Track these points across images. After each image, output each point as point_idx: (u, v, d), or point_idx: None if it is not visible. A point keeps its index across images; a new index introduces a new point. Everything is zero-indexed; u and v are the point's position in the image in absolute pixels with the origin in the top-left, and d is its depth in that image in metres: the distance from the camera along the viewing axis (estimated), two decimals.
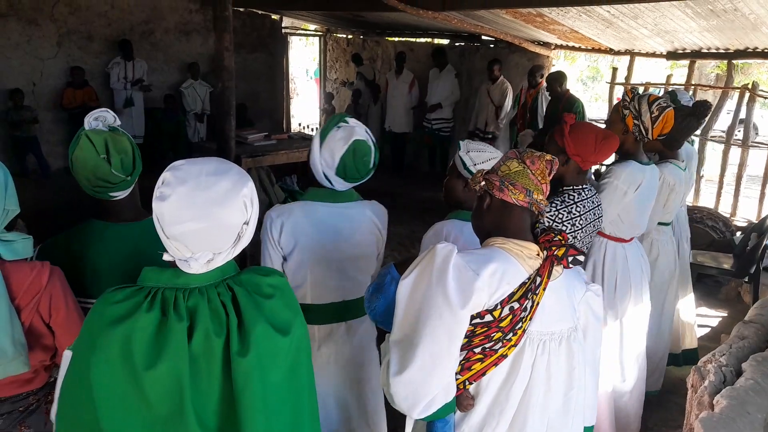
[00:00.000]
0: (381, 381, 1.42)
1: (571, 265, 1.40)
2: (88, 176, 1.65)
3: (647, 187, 2.71)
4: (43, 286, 1.50)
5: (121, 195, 1.71)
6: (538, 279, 1.38)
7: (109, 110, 1.73)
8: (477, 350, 1.38)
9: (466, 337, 1.37)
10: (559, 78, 5.97)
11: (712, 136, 6.43)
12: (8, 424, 1.58)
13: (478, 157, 2.02)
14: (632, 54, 6.72)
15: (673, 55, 6.30)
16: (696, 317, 3.84)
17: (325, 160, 1.98)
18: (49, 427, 1.64)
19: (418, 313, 1.35)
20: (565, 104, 5.88)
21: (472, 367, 1.40)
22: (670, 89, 4.98)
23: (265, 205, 1.99)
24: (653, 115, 2.63)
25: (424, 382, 1.34)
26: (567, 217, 2.26)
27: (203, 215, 1.08)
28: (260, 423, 1.10)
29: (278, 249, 1.99)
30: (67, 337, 1.55)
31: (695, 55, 6.11)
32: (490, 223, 1.50)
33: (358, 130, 2.00)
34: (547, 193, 1.48)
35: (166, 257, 1.14)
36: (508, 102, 7.33)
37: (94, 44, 7.72)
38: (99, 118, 1.70)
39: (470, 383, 1.42)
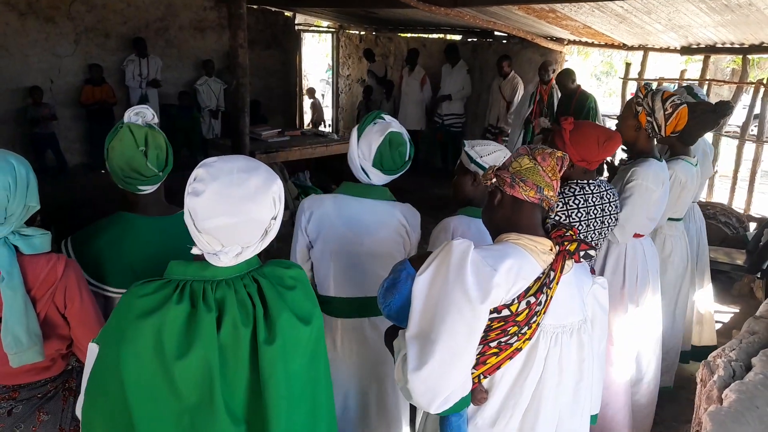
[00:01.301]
0: (396, 377, 1.42)
1: (582, 260, 1.42)
2: (122, 166, 1.69)
3: (668, 184, 2.73)
4: (58, 278, 1.54)
5: (148, 189, 1.76)
6: (552, 273, 1.40)
7: (149, 107, 1.78)
8: (493, 344, 1.39)
9: (482, 331, 1.37)
10: (569, 75, 5.95)
11: (726, 132, 6.37)
12: (27, 410, 1.62)
13: (483, 150, 2.08)
14: (646, 49, 6.67)
15: (687, 50, 6.24)
16: (713, 314, 3.84)
17: (362, 152, 2.06)
18: (67, 413, 1.69)
19: (435, 308, 1.34)
20: (578, 100, 5.86)
21: (488, 361, 1.40)
22: (684, 84, 4.96)
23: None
24: (667, 113, 2.61)
25: (442, 377, 1.33)
26: (562, 208, 2.27)
27: (236, 210, 1.12)
28: (284, 410, 1.14)
29: (305, 235, 2.10)
30: (82, 327, 1.59)
31: (709, 50, 6.05)
32: (501, 218, 1.52)
33: (393, 124, 2.09)
34: (558, 189, 1.50)
35: (194, 251, 1.18)
36: (518, 98, 7.30)
37: (111, 41, 7.82)
38: (139, 114, 1.74)
39: (485, 377, 1.43)
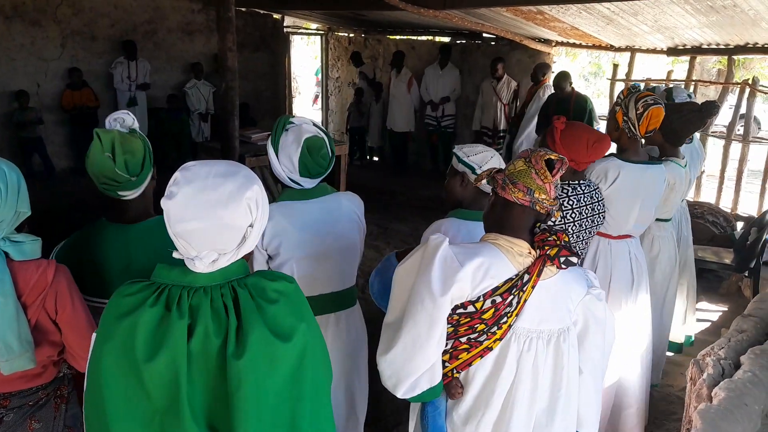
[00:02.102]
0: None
1: (563, 266, 1.42)
2: (96, 173, 1.70)
3: (629, 183, 2.66)
4: (48, 284, 1.53)
5: (129, 195, 1.74)
6: (526, 276, 1.41)
7: (129, 113, 1.77)
8: (463, 340, 1.44)
9: (452, 326, 1.42)
10: (565, 78, 5.99)
11: (713, 132, 6.44)
12: (18, 418, 1.60)
13: (471, 150, 2.11)
14: (633, 50, 6.73)
15: (673, 51, 6.30)
16: (691, 312, 3.86)
17: (285, 167, 2.03)
18: (59, 421, 1.68)
19: (406, 298, 1.43)
20: (576, 102, 5.90)
21: (459, 356, 1.46)
22: (670, 85, 5.01)
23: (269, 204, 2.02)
24: (638, 112, 2.64)
25: (406, 363, 1.42)
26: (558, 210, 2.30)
27: (206, 215, 1.11)
28: (252, 425, 1.11)
29: (263, 252, 2.02)
30: (73, 334, 1.58)
31: (695, 50, 6.12)
32: (493, 219, 1.54)
33: (305, 128, 2.05)
34: (553, 192, 1.48)
35: (175, 255, 1.17)
36: (519, 99, 7.36)
37: (98, 45, 7.76)
38: (117, 120, 1.74)
39: (458, 372, 1.48)
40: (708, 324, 4.43)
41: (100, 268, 1.74)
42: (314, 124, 2.09)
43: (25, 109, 6.98)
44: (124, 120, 1.74)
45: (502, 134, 7.52)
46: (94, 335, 1.18)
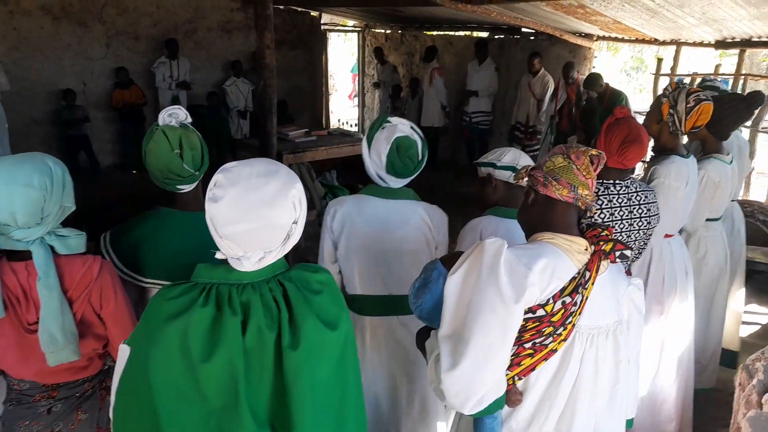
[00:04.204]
0: (429, 377, 1.41)
1: (618, 260, 1.39)
2: (161, 168, 1.74)
3: (693, 180, 2.65)
4: (93, 278, 1.57)
5: (187, 188, 1.81)
6: (587, 273, 1.37)
7: (182, 108, 1.82)
8: (527, 345, 1.37)
9: (517, 332, 1.36)
10: (596, 80, 5.89)
11: (763, 128, 6.20)
12: (66, 408, 1.65)
13: (489, 154, 2.17)
14: (678, 44, 6.52)
15: (721, 44, 6.09)
16: (741, 318, 3.72)
17: (374, 162, 2.11)
18: (104, 412, 1.72)
19: (468, 307, 1.34)
20: (610, 99, 5.78)
21: (522, 363, 1.39)
22: (719, 79, 4.84)
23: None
24: (689, 106, 2.56)
25: (476, 376, 1.32)
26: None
27: (254, 216, 1.12)
28: (309, 415, 1.13)
29: (331, 233, 2.14)
30: (117, 327, 1.62)
31: (745, 44, 5.89)
32: (535, 218, 1.50)
33: (400, 128, 2.10)
34: (594, 188, 1.47)
35: (218, 255, 1.18)
36: (549, 96, 7.22)
37: (141, 44, 7.94)
38: (173, 115, 1.79)
39: (519, 378, 1.41)
40: (758, 327, 4.27)
41: (170, 253, 1.77)
42: (411, 127, 2.15)
43: (72, 107, 7.19)
44: (178, 115, 1.79)
45: (531, 130, 7.40)
46: (125, 346, 1.18)
